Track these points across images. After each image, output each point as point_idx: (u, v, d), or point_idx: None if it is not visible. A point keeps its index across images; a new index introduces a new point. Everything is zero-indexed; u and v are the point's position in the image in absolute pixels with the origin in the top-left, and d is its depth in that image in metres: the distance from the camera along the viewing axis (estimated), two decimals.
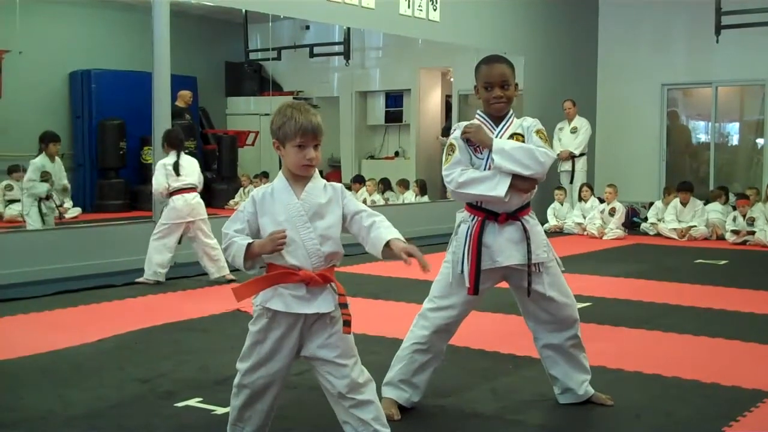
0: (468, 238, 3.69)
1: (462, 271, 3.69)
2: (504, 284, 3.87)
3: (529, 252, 3.69)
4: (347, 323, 3.03)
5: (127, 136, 10.54)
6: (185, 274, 7.82)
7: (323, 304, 3.02)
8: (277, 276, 2.99)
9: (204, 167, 11.79)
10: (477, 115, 3.85)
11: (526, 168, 3.62)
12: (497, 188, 3.63)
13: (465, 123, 3.82)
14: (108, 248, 8.00)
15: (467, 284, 3.68)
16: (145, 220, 8.52)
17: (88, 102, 10.59)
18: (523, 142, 3.74)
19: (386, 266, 8.60)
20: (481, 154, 3.71)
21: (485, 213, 3.71)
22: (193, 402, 4.01)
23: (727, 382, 4.35)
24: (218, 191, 11.42)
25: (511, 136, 3.74)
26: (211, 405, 3.95)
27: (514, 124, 3.79)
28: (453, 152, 3.73)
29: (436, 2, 11.50)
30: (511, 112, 3.81)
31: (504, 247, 3.69)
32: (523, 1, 13.20)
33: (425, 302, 3.84)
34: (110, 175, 10.49)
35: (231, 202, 11.35)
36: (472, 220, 3.72)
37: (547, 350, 3.92)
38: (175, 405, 3.97)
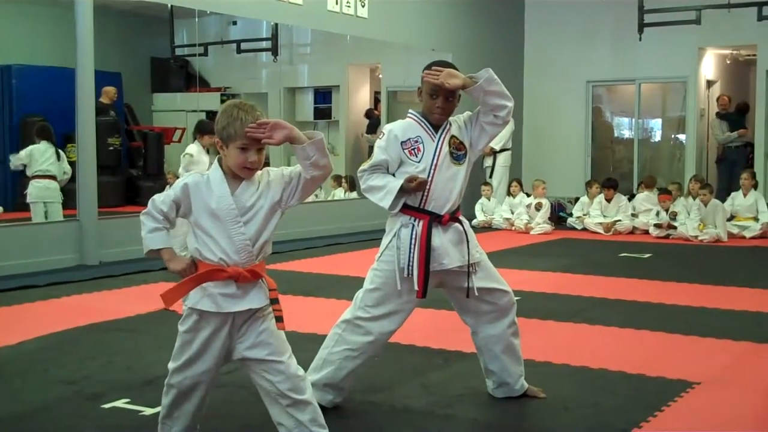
0: (414, 241, 3.68)
1: (409, 275, 3.67)
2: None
3: (468, 253, 3.73)
4: (280, 319, 3.00)
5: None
6: (110, 273, 7.69)
7: (254, 299, 2.99)
8: (205, 275, 2.94)
9: (129, 164, 11.68)
10: (411, 115, 3.83)
11: (507, 98, 3.68)
12: (384, 200, 3.68)
13: (393, 125, 3.81)
14: (31, 248, 7.82)
15: (416, 287, 3.68)
16: (69, 218, 8.36)
17: (9, 98, 10.34)
18: (461, 143, 3.78)
19: (317, 263, 8.58)
20: (417, 156, 3.71)
21: (429, 215, 3.71)
22: (120, 403, 3.94)
23: (652, 372, 4.44)
24: (144, 188, 11.22)
25: (451, 139, 3.76)
26: (138, 406, 3.88)
27: (453, 128, 3.80)
28: (373, 156, 3.74)
29: None
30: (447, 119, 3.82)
31: (448, 249, 3.71)
32: None
33: (356, 310, 3.77)
34: None
35: None
36: (416, 222, 3.71)
37: (486, 343, 3.93)
38: (102, 407, 3.90)
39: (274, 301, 3.00)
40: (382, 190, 3.69)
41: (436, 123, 3.76)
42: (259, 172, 3.03)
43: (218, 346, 3.01)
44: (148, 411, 3.79)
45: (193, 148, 7.85)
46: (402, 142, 3.72)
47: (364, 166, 3.77)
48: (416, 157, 3.72)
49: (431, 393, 4.13)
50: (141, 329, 5.57)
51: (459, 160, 3.77)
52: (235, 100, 3.07)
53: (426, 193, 3.70)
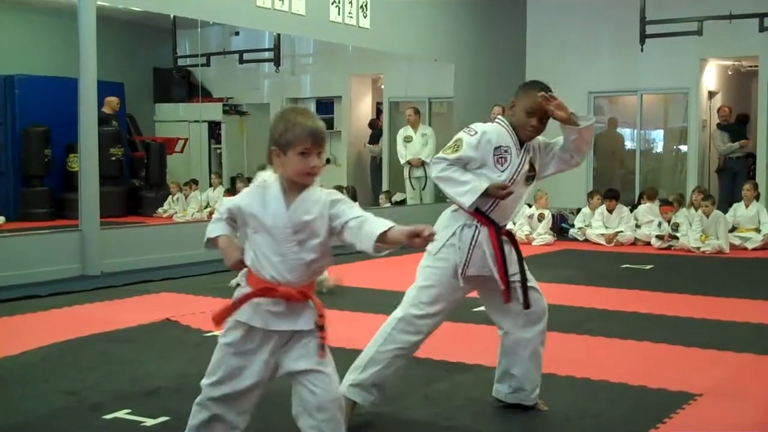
0: (474, 243, 3.75)
1: (462, 275, 3.74)
2: None
3: (521, 264, 3.88)
4: (322, 347, 2.88)
5: (52, 143, 10.31)
6: (112, 283, 7.69)
7: (302, 321, 2.88)
8: (256, 293, 2.84)
9: (132, 175, 11.68)
10: (501, 123, 3.86)
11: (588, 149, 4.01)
12: (465, 196, 3.70)
13: (487, 127, 3.84)
14: (32, 258, 7.82)
15: (501, 287, 3.78)
16: (71, 228, 8.36)
17: (12, 108, 10.33)
18: (533, 166, 3.88)
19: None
20: (502, 166, 3.75)
21: (493, 224, 3.78)
22: (121, 414, 3.94)
23: (654, 384, 4.43)
24: (146, 199, 11.23)
25: (530, 159, 3.85)
26: (140, 416, 3.88)
27: (531, 150, 3.87)
28: (460, 149, 3.74)
29: (367, 9, 11.52)
30: None
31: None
32: (453, 9, 13.29)
33: (408, 308, 3.76)
34: (34, 183, 10.24)
35: (159, 210, 11.17)
36: (479, 226, 3.77)
37: (515, 346, 3.93)
38: (104, 417, 3.90)
39: (320, 328, 2.90)
40: (465, 186, 3.70)
41: (525, 140, 3.82)
42: (322, 189, 2.92)
43: (261, 361, 2.88)
44: (150, 422, 3.79)
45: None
46: (495, 148, 3.76)
47: (447, 154, 3.76)
48: (501, 166, 3.77)
49: (433, 404, 4.13)
50: (143, 339, 5.56)
51: (528, 182, 3.89)
52: (290, 105, 3.00)
53: (496, 203, 3.76)
